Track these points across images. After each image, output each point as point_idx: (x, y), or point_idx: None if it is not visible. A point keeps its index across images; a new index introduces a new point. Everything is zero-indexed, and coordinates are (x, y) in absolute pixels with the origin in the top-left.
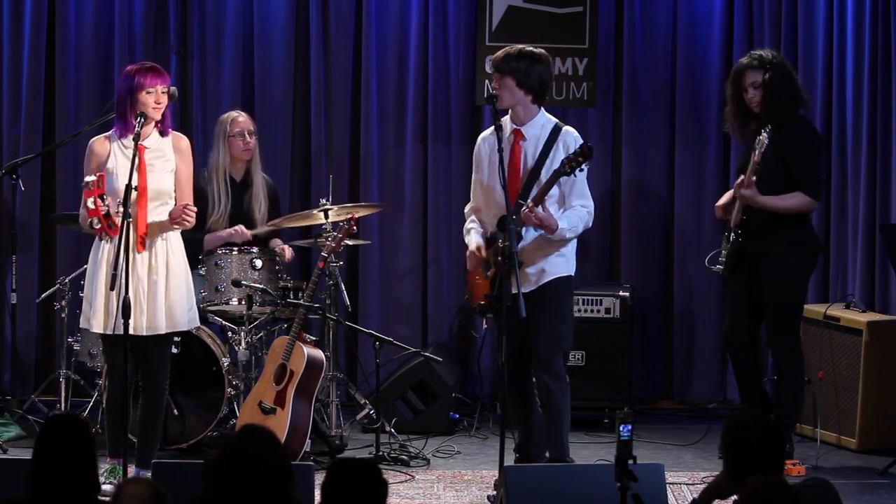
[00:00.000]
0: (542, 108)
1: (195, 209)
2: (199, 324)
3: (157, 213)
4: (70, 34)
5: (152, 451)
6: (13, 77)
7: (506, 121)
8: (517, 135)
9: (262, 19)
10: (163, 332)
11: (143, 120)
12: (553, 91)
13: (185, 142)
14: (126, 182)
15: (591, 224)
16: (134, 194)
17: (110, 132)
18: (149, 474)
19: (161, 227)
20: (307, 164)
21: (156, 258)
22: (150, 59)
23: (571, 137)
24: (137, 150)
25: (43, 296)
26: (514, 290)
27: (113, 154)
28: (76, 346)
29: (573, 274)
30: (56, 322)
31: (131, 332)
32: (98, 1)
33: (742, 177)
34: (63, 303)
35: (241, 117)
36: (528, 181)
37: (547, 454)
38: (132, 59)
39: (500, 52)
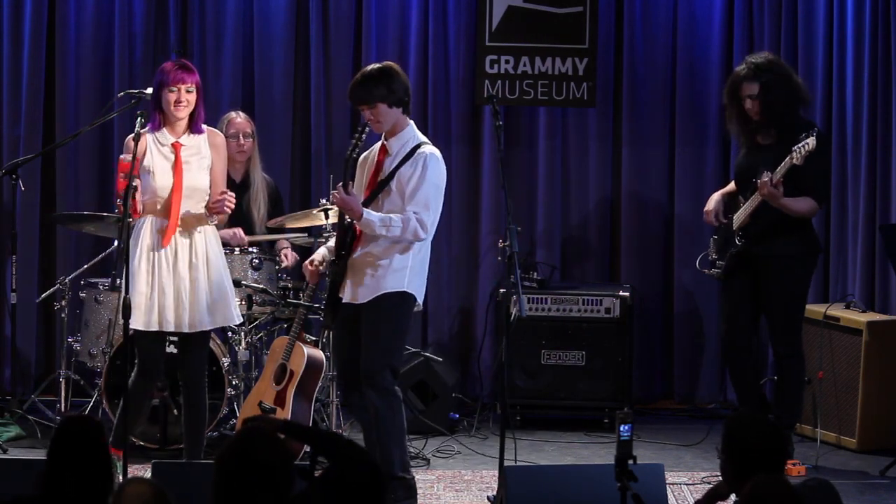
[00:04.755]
0: (411, 121)
1: (233, 193)
2: (241, 319)
3: (193, 209)
4: (70, 34)
5: (201, 451)
6: (13, 77)
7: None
8: (383, 148)
9: (262, 19)
10: (207, 328)
11: (143, 120)
12: (554, 91)
13: (220, 138)
14: (163, 181)
15: (420, 235)
16: (167, 192)
17: (147, 127)
18: None
19: (199, 221)
20: (307, 164)
21: (196, 254)
22: (150, 59)
23: (422, 159)
24: (136, 150)
25: (43, 296)
26: (514, 292)
27: (149, 151)
28: (76, 346)
29: (412, 293)
30: (56, 322)
31: (174, 328)
32: (98, 1)
33: (768, 175)
34: (63, 303)
35: (238, 118)
36: (376, 190)
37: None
38: (132, 59)
39: (352, 88)
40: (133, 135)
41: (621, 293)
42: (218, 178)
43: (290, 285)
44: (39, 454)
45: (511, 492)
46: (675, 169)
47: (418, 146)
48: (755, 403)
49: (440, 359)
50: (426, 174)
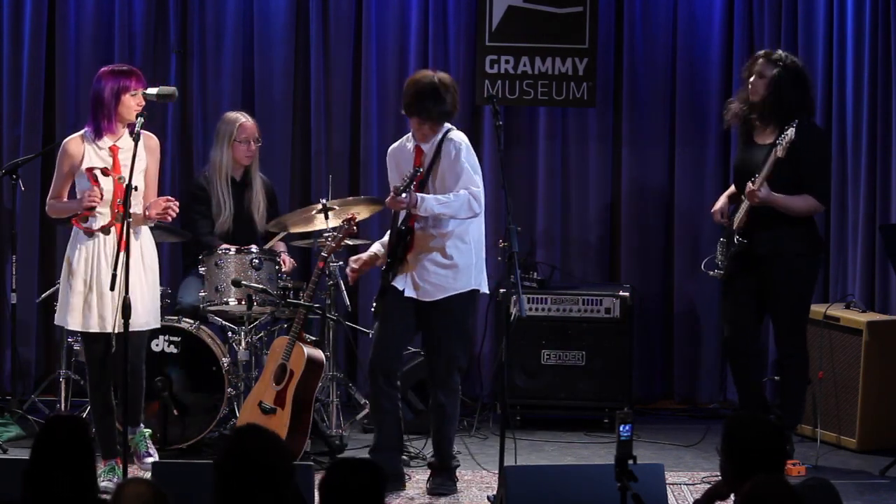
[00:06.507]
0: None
1: (177, 202)
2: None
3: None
4: (70, 34)
5: (139, 411)
6: (13, 77)
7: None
8: (418, 150)
9: (262, 19)
10: (142, 328)
11: (143, 120)
12: (554, 91)
13: (154, 141)
14: (103, 184)
15: (475, 208)
16: (108, 195)
17: (83, 132)
18: (143, 429)
19: (135, 222)
20: (307, 164)
21: (131, 256)
22: (150, 59)
23: (451, 148)
24: (135, 149)
25: (43, 296)
26: (514, 292)
27: (87, 156)
28: (76, 346)
29: (478, 287)
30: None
31: (108, 330)
32: (98, 1)
33: (753, 180)
34: None
35: (248, 122)
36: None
37: (432, 459)
38: (132, 59)
39: (411, 98)
40: (134, 134)
41: (621, 293)
42: (151, 181)
43: (290, 285)
44: None
45: (511, 492)
46: (675, 169)
47: (445, 135)
48: (757, 405)
49: None
50: (460, 156)
